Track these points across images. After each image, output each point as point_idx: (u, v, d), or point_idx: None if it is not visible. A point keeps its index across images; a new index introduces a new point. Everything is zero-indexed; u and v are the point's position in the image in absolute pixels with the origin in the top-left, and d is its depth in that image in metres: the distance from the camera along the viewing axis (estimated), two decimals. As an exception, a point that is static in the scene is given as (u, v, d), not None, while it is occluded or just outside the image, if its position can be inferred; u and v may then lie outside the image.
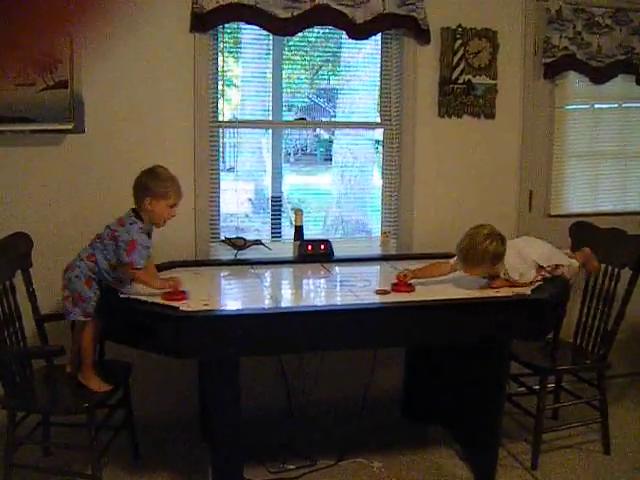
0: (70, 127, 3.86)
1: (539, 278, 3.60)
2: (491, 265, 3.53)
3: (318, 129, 5.07)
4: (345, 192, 4.84)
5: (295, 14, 4.06)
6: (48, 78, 3.78)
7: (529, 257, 3.61)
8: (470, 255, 3.51)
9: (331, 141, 5.04)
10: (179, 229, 4.14)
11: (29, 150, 3.91)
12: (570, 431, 4.16)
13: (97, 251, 3.35)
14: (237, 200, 4.67)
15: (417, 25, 4.30)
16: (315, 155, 5.14)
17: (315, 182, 5.21)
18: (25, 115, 3.78)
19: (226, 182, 4.51)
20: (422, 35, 4.35)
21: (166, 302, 3.21)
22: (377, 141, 4.79)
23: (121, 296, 3.31)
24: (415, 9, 4.26)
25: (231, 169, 4.75)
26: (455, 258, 3.65)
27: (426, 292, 3.52)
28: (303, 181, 5.07)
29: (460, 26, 4.44)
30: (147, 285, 3.37)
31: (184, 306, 3.14)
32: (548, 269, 3.63)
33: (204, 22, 4.01)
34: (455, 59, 4.46)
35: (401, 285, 3.57)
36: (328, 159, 5.03)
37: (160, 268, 3.81)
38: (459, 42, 4.45)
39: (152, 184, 3.36)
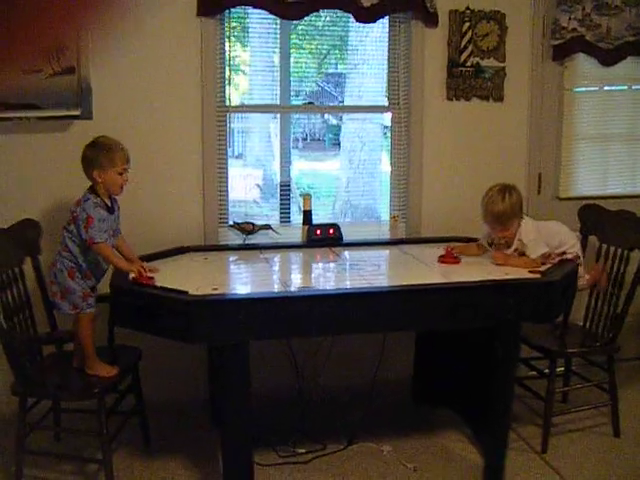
0: (77, 113, 3.86)
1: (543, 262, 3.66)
2: (520, 213, 3.71)
3: (326, 115, 5.06)
4: (354, 178, 4.83)
5: (302, -3, 4.05)
6: (55, 64, 3.77)
7: (546, 233, 3.75)
8: (501, 214, 3.67)
9: (339, 127, 5.03)
10: (188, 214, 4.15)
11: (37, 137, 3.91)
12: (580, 414, 4.16)
13: (67, 239, 3.37)
14: (246, 186, 4.67)
15: (425, 8, 4.28)
16: (323, 141, 5.14)
17: (323, 168, 5.20)
18: (32, 102, 3.77)
19: (235, 168, 4.51)
20: (430, 18, 4.33)
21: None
22: (385, 127, 4.78)
23: (130, 279, 3.31)
24: (423, -9, 4.24)
25: (239, 155, 4.74)
26: (480, 240, 3.87)
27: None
28: (311, 167, 5.06)
29: (468, 8, 4.41)
30: (110, 260, 3.37)
31: (195, 289, 3.13)
32: (553, 257, 3.67)
33: (210, 6, 4.00)
34: (463, 42, 4.43)
35: (448, 257, 3.74)
36: (336, 145, 5.02)
37: (170, 254, 3.82)
38: (467, 25, 4.42)
39: (95, 155, 3.35)
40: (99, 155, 3.34)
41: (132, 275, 3.32)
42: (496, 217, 3.70)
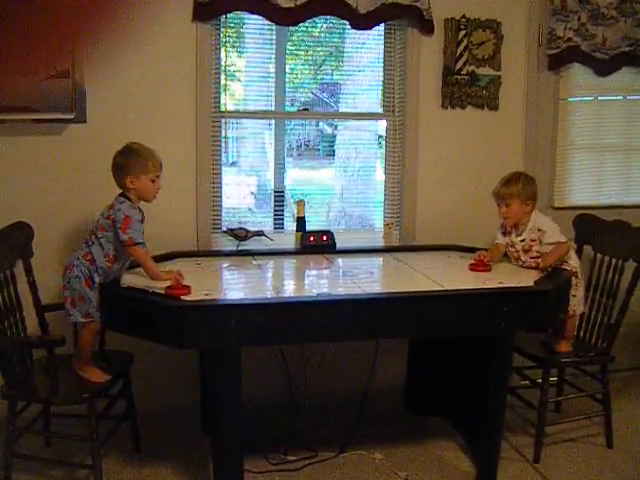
0: (71, 117, 3.84)
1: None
2: (525, 199, 3.80)
3: (321, 123, 5.05)
4: (348, 187, 4.82)
5: (298, 3, 4.04)
6: (50, 67, 3.75)
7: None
8: (504, 192, 3.82)
9: (334, 136, 5.02)
10: (181, 220, 4.14)
11: (30, 140, 3.90)
12: (573, 424, 4.15)
13: (93, 248, 3.32)
14: (240, 194, 4.66)
15: (421, 15, 4.27)
16: (318, 150, 5.13)
17: (318, 176, 5.19)
18: (26, 104, 3.76)
19: (229, 176, 4.50)
20: (426, 25, 4.33)
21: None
22: (380, 135, 4.77)
23: (122, 286, 3.30)
24: (419, -1, 4.25)
25: (234, 163, 4.73)
26: (497, 241, 3.97)
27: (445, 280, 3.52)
28: (306, 175, 5.05)
29: (464, 17, 4.41)
30: (147, 266, 3.34)
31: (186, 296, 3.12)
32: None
33: (206, 11, 3.99)
34: (459, 50, 4.43)
35: (480, 264, 3.76)
36: (331, 154, 5.02)
37: (162, 259, 3.80)
38: (463, 33, 4.42)
39: (128, 161, 3.34)
40: (131, 161, 3.33)
41: (167, 284, 3.22)
42: (497, 194, 3.85)
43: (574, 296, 3.81)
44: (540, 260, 3.73)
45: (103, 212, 3.37)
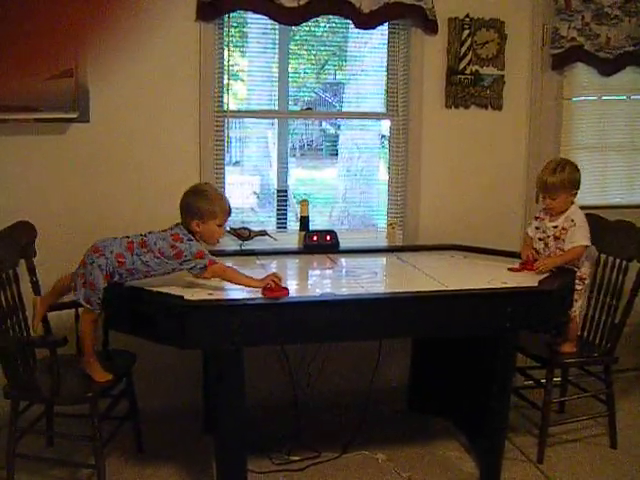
0: (74, 116, 3.84)
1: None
2: (571, 190, 3.77)
3: (324, 123, 5.04)
4: (351, 186, 4.82)
5: (302, 3, 4.03)
6: (53, 67, 3.74)
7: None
8: (550, 184, 3.74)
9: (337, 136, 5.02)
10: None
11: (33, 139, 3.89)
12: (576, 425, 4.14)
13: (135, 257, 3.23)
14: (243, 194, 4.65)
15: (424, 15, 4.27)
16: (321, 150, 5.12)
17: (321, 176, 5.19)
18: (29, 104, 3.75)
19: (232, 176, 4.49)
20: (429, 25, 4.32)
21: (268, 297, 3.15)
22: (383, 135, 4.77)
23: (126, 285, 3.29)
24: (422, -2, 4.24)
25: (237, 163, 4.72)
26: (527, 230, 3.98)
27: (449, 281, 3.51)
28: (309, 175, 5.05)
29: (468, 16, 4.40)
30: (237, 281, 3.29)
31: (191, 294, 3.11)
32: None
33: (209, 10, 3.99)
34: (462, 49, 4.42)
35: (528, 264, 3.76)
36: (334, 154, 5.01)
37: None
38: (466, 32, 4.41)
39: (198, 205, 3.28)
40: (204, 206, 3.28)
41: (264, 289, 3.19)
42: (543, 185, 3.76)
43: (576, 301, 3.79)
44: (550, 257, 3.72)
45: (164, 236, 3.28)
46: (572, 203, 3.79)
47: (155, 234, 3.30)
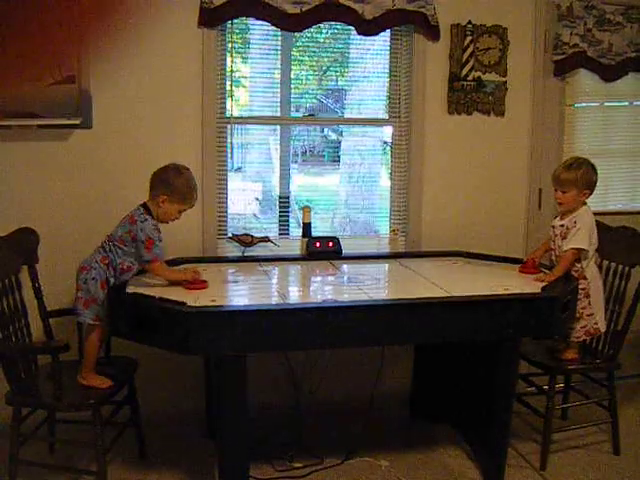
0: (77, 122, 3.85)
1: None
2: (582, 188, 3.76)
3: (326, 130, 5.04)
4: (353, 193, 4.82)
5: (304, 10, 4.04)
6: (56, 73, 3.76)
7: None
8: (563, 177, 3.77)
9: (339, 142, 5.02)
10: (186, 226, 4.11)
11: (36, 145, 3.90)
12: (579, 431, 4.13)
13: (111, 253, 3.35)
14: (245, 200, 4.65)
15: (427, 21, 4.27)
16: (323, 156, 5.12)
17: (323, 183, 5.19)
18: (32, 110, 3.76)
19: (234, 182, 4.49)
20: (432, 31, 4.33)
21: (190, 291, 3.29)
22: (385, 142, 4.77)
23: (128, 292, 3.29)
24: (425, 5, 4.24)
25: (239, 169, 4.72)
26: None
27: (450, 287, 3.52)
28: (311, 182, 5.05)
29: (470, 22, 4.41)
30: (166, 277, 3.42)
31: (194, 301, 3.12)
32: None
33: (212, 17, 3.99)
34: (465, 56, 4.43)
35: (530, 267, 3.86)
36: (336, 160, 5.01)
37: (168, 264, 3.79)
38: (469, 39, 4.42)
39: (177, 183, 3.38)
40: (181, 187, 3.38)
41: (186, 280, 3.38)
42: (556, 178, 3.81)
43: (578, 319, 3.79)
44: (551, 274, 3.70)
45: (124, 223, 3.38)
46: (584, 204, 3.79)
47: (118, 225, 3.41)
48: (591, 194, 3.80)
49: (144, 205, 3.40)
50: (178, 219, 3.48)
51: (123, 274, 3.38)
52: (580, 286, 3.70)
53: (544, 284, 3.55)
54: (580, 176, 3.73)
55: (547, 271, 3.79)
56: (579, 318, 3.75)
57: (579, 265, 3.74)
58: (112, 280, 3.35)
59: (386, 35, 4.44)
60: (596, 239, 3.77)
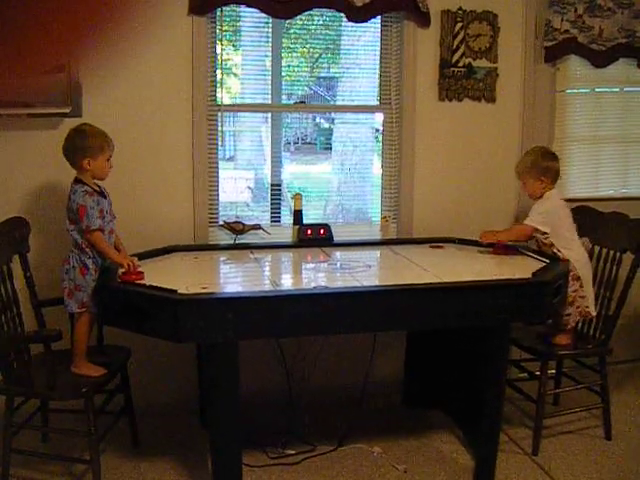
0: (67, 111, 3.82)
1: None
2: (535, 175, 3.84)
3: (318, 118, 5.04)
4: (345, 181, 4.81)
5: (294, -4, 4.03)
6: (47, 66, 3.74)
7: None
8: (516, 168, 3.97)
9: (331, 130, 5.01)
10: (178, 214, 4.12)
11: (26, 134, 3.88)
12: (571, 416, 4.15)
13: (72, 236, 3.37)
14: (237, 188, 4.65)
15: (417, 8, 4.26)
16: (315, 144, 5.12)
17: (315, 171, 5.19)
18: (22, 99, 3.73)
19: (226, 171, 4.49)
20: (422, 18, 4.31)
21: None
22: (376, 129, 4.76)
23: (119, 274, 3.29)
24: (415, -9, 4.23)
25: (231, 158, 4.72)
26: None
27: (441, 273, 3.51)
28: (303, 170, 5.05)
29: (460, 9, 4.40)
30: (103, 250, 3.36)
31: (183, 289, 3.11)
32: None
33: (202, 4, 3.97)
34: (455, 42, 4.42)
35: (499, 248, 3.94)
36: (328, 148, 5.01)
37: (159, 253, 3.80)
38: (459, 25, 4.40)
39: (87, 143, 3.35)
40: (91, 142, 3.35)
41: (121, 270, 3.30)
42: (515, 171, 4.00)
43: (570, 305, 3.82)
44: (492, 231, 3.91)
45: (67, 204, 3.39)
46: (548, 190, 3.85)
47: None
48: (554, 180, 3.84)
49: (75, 179, 3.40)
50: (111, 167, 3.45)
51: (92, 250, 3.37)
52: None
53: (536, 268, 3.54)
54: (530, 165, 3.83)
55: (529, 253, 3.87)
56: (572, 302, 3.77)
57: (553, 249, 3.77)
58: (91, 261, 3.34)
59: (376, 22, 4.42)
60: (566, 223, 3.86)
